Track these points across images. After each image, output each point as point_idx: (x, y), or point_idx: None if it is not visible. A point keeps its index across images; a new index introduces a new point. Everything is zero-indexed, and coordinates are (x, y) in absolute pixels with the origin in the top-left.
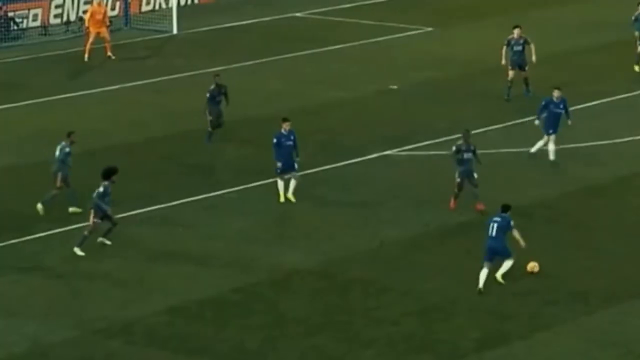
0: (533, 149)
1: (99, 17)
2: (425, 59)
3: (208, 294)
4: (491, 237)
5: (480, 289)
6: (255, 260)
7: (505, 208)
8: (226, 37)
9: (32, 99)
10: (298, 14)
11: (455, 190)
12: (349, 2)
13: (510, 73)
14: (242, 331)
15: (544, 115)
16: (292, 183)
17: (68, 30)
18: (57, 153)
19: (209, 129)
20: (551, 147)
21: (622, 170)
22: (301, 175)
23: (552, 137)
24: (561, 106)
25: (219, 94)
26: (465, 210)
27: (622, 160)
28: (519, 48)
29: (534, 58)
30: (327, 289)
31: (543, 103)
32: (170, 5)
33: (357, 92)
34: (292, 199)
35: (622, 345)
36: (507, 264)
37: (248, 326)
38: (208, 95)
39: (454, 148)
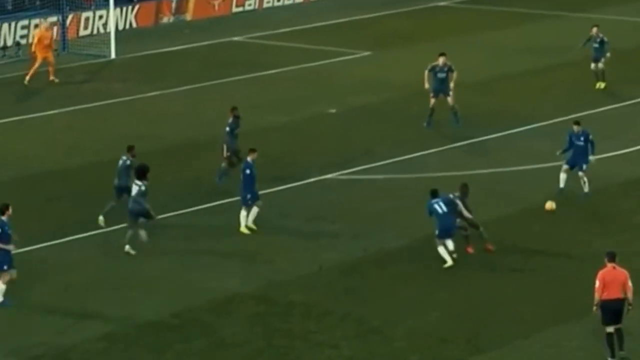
0: (586, 189)
1: (47, 42)
2: (363, 83)
3: (146, 319)
4: (444, 214)
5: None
6: (195, 284)
7: (434, 192)
8: (164, 61)
9: None
10: (236, 39)
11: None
12: (287, 27)
13: (432, 101)
14: (181, 356)
15: (568, 149)
16: (255, 211)
17: (5, 55)
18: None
19: (224, 165)
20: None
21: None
22: (239, 200)
23: (582, 172)
24: (581, 138)
25: (237, 127)
26: (403, 235)
27: (558, 183)
28: (443, 75)
29: (451, 85)
30: (267, 313)
31: (567, 137)
32: (108, 29)
33: (295, 116)
34: (254, 227)
35: None
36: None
37: (187, 351)
38: (227, 129)
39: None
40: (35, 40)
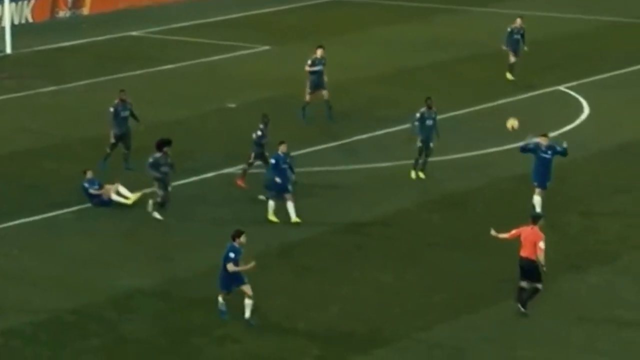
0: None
1: None
2: (263, 77)
3: (44, 316)
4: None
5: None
6: (94, 281)
7: None
8: (60, 56)
9: None
10: (134, 33)
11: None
12: (186, 21)
13: (308, 97)
14: (80, 353)
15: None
16: (290, 205)
17: None
18: None
19: (108, 150)
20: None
21: (457, 185)
22: (143, 196)
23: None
24: (549, 152)
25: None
26: (303, 228)
27: (459, 175)
28: (319, 68)
29: (325, 78)
30: (168, 310)
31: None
32: (3, 24)
33: (194, 111)
34: (298, 220)
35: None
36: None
37: (86, 348)
38: (112, 110)
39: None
40: None
